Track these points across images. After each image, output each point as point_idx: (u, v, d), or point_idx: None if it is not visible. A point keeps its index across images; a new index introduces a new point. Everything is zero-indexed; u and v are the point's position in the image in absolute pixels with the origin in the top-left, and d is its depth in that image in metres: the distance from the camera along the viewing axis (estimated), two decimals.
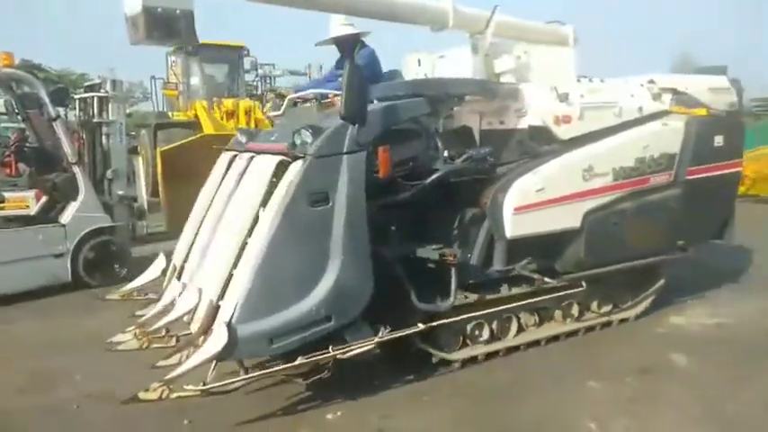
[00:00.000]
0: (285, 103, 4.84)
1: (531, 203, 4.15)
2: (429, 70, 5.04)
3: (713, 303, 5.41)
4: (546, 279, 4.34)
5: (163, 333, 3.90)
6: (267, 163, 3.75)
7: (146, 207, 8.42)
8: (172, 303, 3.85)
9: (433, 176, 3.94)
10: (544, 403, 3.72)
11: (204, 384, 3.25)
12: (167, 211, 9.18)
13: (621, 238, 4.54)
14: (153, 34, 3.24)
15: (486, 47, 4.75)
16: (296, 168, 3.45)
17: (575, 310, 4.73)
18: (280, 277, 3.36)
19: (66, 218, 6.39)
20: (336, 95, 4.66)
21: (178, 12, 3.27)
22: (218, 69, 14.13)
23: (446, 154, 4.12)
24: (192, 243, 4.18)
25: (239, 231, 3.60)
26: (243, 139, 4.39)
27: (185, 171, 9.15)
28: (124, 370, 3.89)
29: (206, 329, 3.40)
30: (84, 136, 7.39)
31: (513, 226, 4.10)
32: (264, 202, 3.57)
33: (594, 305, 4.81)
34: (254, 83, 15.61)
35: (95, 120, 7.09)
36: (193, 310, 3.57)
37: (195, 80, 13.76)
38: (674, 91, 4.72)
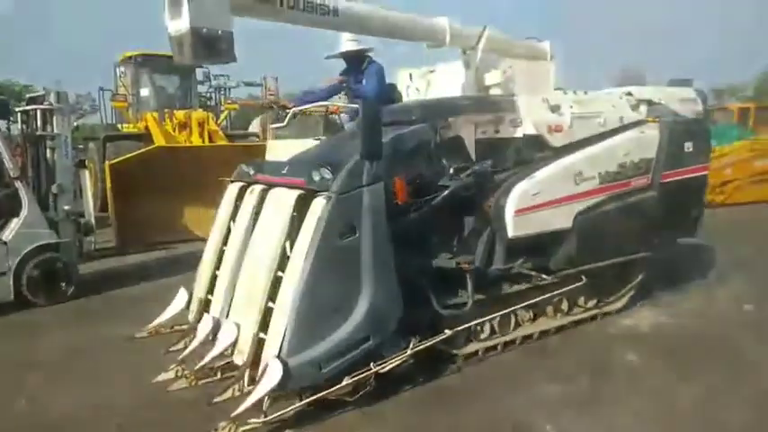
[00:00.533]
0: (288, 115, 5.02)
1: (530, 206, 4.48)
2: (422, 84, 5.36)
3: (662, 303, 5.64)
4: (543, 276, 4.68)
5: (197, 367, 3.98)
6: (286, 197, 3.93)
7: (93, 222, 8.08)
8: (207, 338, 4.02)
9: (444, 193, 4.19)
10: (501, 407, 3.81)
11: (265, 415, 3.41)
12: (117, 227, 9.24)
13: (607, 237, 4.94)
14: (198, 53, 3.38)
15: (476, 62, 5.10)
16: (320, 205, 3.64)
17: (564, 305, 5.09)
18: (320, 308, 3.59)
19: (7, 235, 6.14)
20: (339, 107, 4.94)
21: (220, 32, 3.44)
22: (169, 80, 13.83)
23: (451, 171, 4.35)
24: (213, 275, 4.39)
25: (269, 265, 3.80)
26: (250, 170, 4.53)
27: (136, 184, 9.15)
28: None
29: (253, 362, 3.62)
30: (28, 150, 7.05)
31: (515, 227, 4.43)
32: (289, 236, 3.79)
33: (582, 300, 5.18)
34: (208, 94, 15.40)
35: (39, 133, 6.82)
36: (233, 344, 3.78)
37: (145, 91, 13.43)
38: (650, 102, 5.19)
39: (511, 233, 4.43)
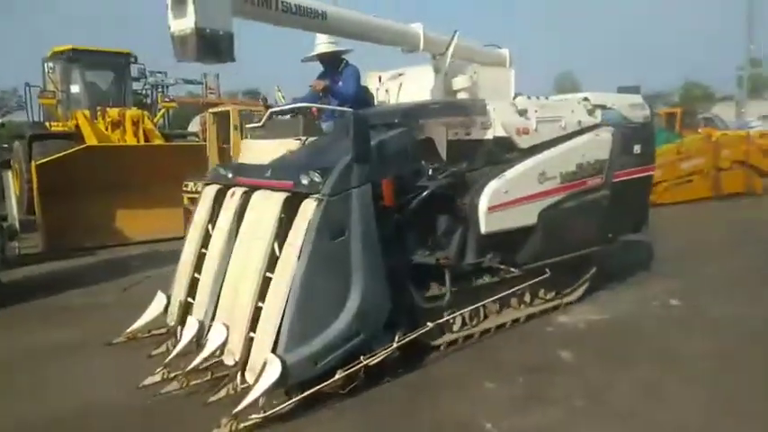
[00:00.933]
0: (265, 115, 5.11)
1: (501, 203, 4.78)
2: (393, 87, 5.57)
3: (596, 300, 5.86)
4: (511, 269, 4.99)
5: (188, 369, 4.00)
6: (273, 199, 4.03)
7: (17, 226, 7.93)
8: (193, 340, 4.10)
9: (424, 194, 4.42)
10: (442, 405, 3.89)
11: (264, 411, 3.49)
12: (44, 231, 8.95)
13: (567, 233, 5.32)
14: (201, 53, 3.45)
15: (446, 67, 5.36)
16: (311, 207, 3.76)
17: (527, 297, 5.42)
18: (313, 306, 3.72)
19: None
20: (317, 108, 5.08)
21: (221, 33, 3.54)
22: (102, 77, 13.29)
23: (429, 172, 4.56)
24: (191, 278, 4.44)
25: (258, 267, 3.89)
26: (228, 173, 4.59)
27: (64, 186, 8.85)
28: None
29: (246, 361, 3.73)
30: None
31: (487, 223, 4.71)
32: (278, 237, 3.89)
33: (542, 292, 5.53)
34: (144, 91, 14.94)
35: None
36: (223, 345, 3.87)
37: (76, 88, 12.84)
38: (604, 107, 5.60)
39: (483, 229, 4.71)
